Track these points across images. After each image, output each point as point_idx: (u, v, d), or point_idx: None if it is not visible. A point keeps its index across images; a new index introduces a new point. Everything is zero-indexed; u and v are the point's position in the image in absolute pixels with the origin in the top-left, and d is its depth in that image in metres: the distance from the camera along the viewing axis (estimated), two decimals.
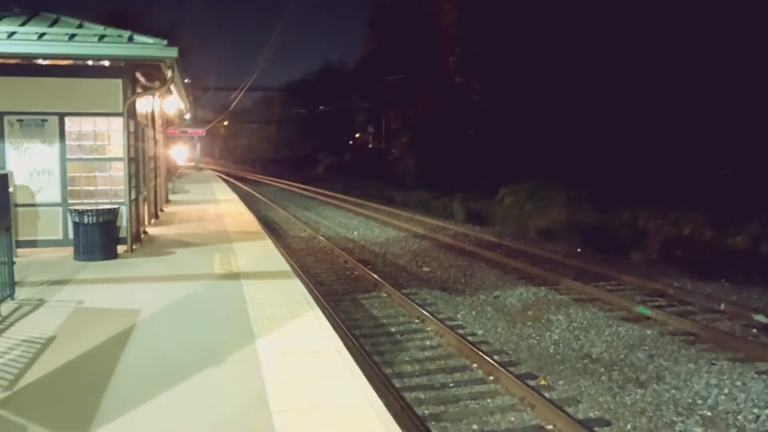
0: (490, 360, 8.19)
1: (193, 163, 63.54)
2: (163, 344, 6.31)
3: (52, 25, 11.53)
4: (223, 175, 58.10)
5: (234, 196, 28.34)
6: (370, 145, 52.55)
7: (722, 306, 10.76)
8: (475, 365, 8.31)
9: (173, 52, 11.19)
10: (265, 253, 12.01)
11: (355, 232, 21.29)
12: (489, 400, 7.29)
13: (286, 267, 10.67)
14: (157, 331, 6.80)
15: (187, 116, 35.17)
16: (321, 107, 57.37)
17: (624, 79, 19.82)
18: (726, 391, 7.30)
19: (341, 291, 12.68)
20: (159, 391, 5.03)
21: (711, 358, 8.40)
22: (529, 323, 10.39)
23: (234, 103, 51.59)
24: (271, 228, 21.20)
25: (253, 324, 6.90)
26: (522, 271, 14.01)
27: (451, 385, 7.76)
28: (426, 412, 7.00)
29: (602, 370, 8.24)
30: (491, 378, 7.86)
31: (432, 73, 31.76)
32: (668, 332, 9.54)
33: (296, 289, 8.72)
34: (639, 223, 16.62)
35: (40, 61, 11.56)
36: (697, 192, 16.42)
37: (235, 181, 50.89)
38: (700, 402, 7.11)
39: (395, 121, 39.21)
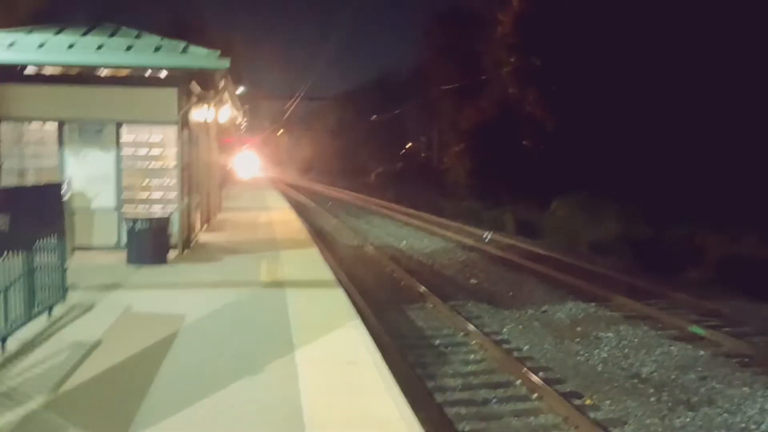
0: (535, 376, 8.01)
1: (252, 173, 64.59)
2: (203, 351, 6.39)
3: (111, 35, 11.93)
4: (276, 183, 58.89)
5: (285, 204, 28.70)
6: (422, 155, 52.46)
7: None
8: (519, 381, 8.14)
9: (226, 63, 11.45)
10: (312, 262, 12.08)
11: (404, 242, 21.25)
12: (532, 418, 7.12)
13: (331, 276, 10.70)
14: (199, 338, 6.90)
15: (243, 125, 35.89)
16: (374, 116, 57.63)
17: (685, 90, 19.27)
18: None
19: (387, 300, 12.64)
20: (195, 400, 5.08)
21: (767, 381, 8.02)
22: (577, 340, 10.14)
23: (288, 113, 52.28)
24: (321, 236, 21.35)
25: (294, 333, 6.93)
26: (571, 285, 13.71)
27: (493, 401, 7.62)
28: (466, 428, 6.88)
29: (651, 390, 7.96)
30: (535, 395, 7.69)
31: (485, 83, 31.54)
32: (722, 354, 9.16)
33: (339, 298, 8.73)
34: (695, 240, 16.07)
35: (100, 71, 11.98)
36: (756, 209, 15.78)
37: (287, 189, 51.55)
38: (753, 427, 6.79)
39: (447, 131, 39.05)
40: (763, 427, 6.77)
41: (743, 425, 6.86)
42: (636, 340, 9.90)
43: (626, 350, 9.50)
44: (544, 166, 25.80)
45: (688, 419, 7.07)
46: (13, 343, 6.37)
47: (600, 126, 22.01)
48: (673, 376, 8.40)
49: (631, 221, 18.91)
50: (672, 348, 9.43)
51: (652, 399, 7.69)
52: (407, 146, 59.64)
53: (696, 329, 10.13)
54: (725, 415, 7.12)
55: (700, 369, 8.60)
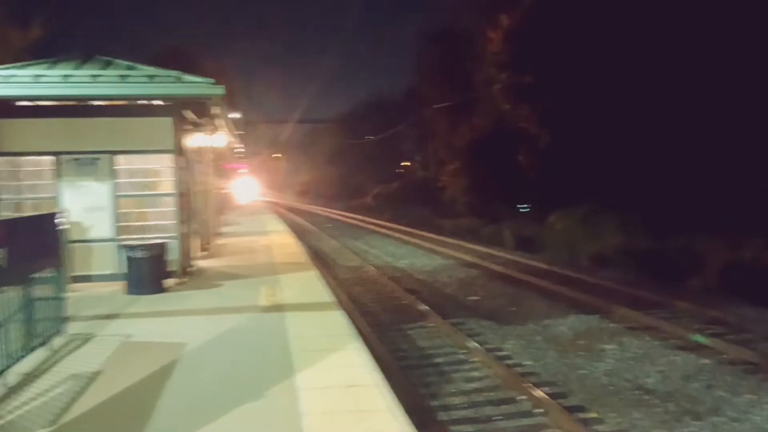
0: (539, 391, 7.96)
1: (250, 197, 64.60)
2: (204, 379, 6.36)
3: (105, 67, 12.01)
4: (274, 207, 58.93)
5: (283, 227, 28.67)
6: (418, 174, 52.60)
7: None
8: (523, 397, 8.08)
9: (220, 90, 11.52)
10: (311, 285, 12.05)
11: (403, 261, 21.22)
12: None
13: (331, 298, 10.67)
14: (200, 365, 6.86)
15: (239, 150, 36.01)
16: (369, 137, 57.91)
17: (679, 96, 19.35)
18: None
19: (388, 321, 12.59)
20: (197, 428, 5.05)
21: None
22: (581, 353, 10.08)
23: (284, 137, 52.50)
24: (320, 257, 21.31)
25: (294, 357, 6.89)
26: (573, 298, 13.67)
27: (498, 417, 7.56)
28: None
29: (657, 401, 7.91)
30: (539, 410, 7.63)
31: (478, 100, 31.72)
32: (727, 362, 9.11)
33: (339, 321, 8.70)
34: (696, 248, 16.05)
35: (94, 102, 12.04)
36: (756, 215, 15.79)
37: (285, 212, 51.56)
38: None
39: (443, 149, 39.21)
40: None
41: None
42: (639, 351, 9.86)
43: (630, 361, 9.45)
44: (540, 180, 25.86)
45: (695, 429, 7.02)
46: (12, 377, 6.33)
47: (595, 138, 22.08)
48: (678, 386, 8.35)
49: (630, 232, 18.90)
50: (676, 358, 9.38)
51: (658, 410, 7.64)
52: (403, 166, 59.84)
53: (699, 338, 10.08)
54: (733, 423, 7.07)
55: (704, 378, 8.55)
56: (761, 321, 11.26)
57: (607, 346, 10.21)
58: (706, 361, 9.17)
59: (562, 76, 22.30)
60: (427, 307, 12.93)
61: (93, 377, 6.42)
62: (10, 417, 5.40)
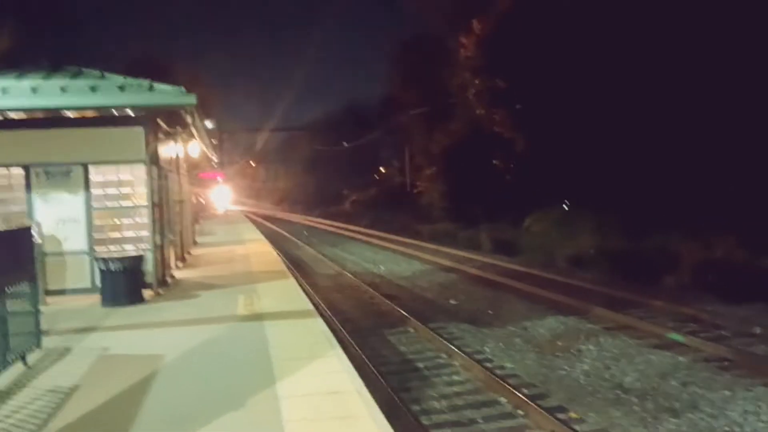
0: (519, 393, 8.01)
1: (226, 206, 64.15)
2: (184, 390, 6.30)
3: (74, 77, 11.84)
4: (251, 215, 58.61)
5: (260, 236, 28.54)
6: (396, 180, 52.69)
7: (757, 330, 10.42)
8: (503, 399, 8.12)
9: (192, 99, 11.43)
10: (289, 293, 12.01)
11: (382, 267, 21.23)
12: None
13: (309, 306, 10.64)
14: (179, 376, 6.80)
15: (215, 158, 35.74)
16: (345, 144, 57.93)
17: (650, 99, 19.62)
18: (764, 418, 7.02)
19: (368, 327, 12.58)
20: None
21: (747, 384, 8.11)
22: (559, 354, 10.17)
23: (259, 145, 52.31)
24: (298, 266, 21.24)
25: (274, 366, 6.86)
26: (551, 300, 13.78)
27: (479, 420, 7.59)
28: None
29: (635, 400, 7.99)
30: (520, 412, 7.68)
31: (453, 106, 31.87)
32: (702, 359, 9.25)
33: (318, 328, 8.68)
34: (670, 248, 16.27)
35: (65, 113, 11.88)
36: (727, 213, 16.05)
37: (263, 221, 51.29)
38: (737, 430, 6.85)
39: (419, 155, 39.35)
40: (746, 428, 6.83)
41: (727, 428, 6.91)
42: (616, 350, 9.97)
43: (607, 361, 9.55)
44: (516, 184, 26.04)
45: (672, 426, 7.11)
46: None
47: (568, 141, 22.29)
48: (655, 384, 8.46)
49: (606, 233, 19.11)
50: (652, 356, 9.50)
51: (636, 408, 7.72)
52: (381, 172, 59.91)
53: (675, 336, 10.22)
54: (709, 419, 7.17)
55: (681, 375, 8.66)
56: (734, 317, 11.44)
57: (584, 347, 10.30)
58: (682, 358, 9.29)
59: (535, 80, 22.47)
60: (406, 313, 12.94)
61: (70, 392, 6.33)
62: None
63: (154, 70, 24.75)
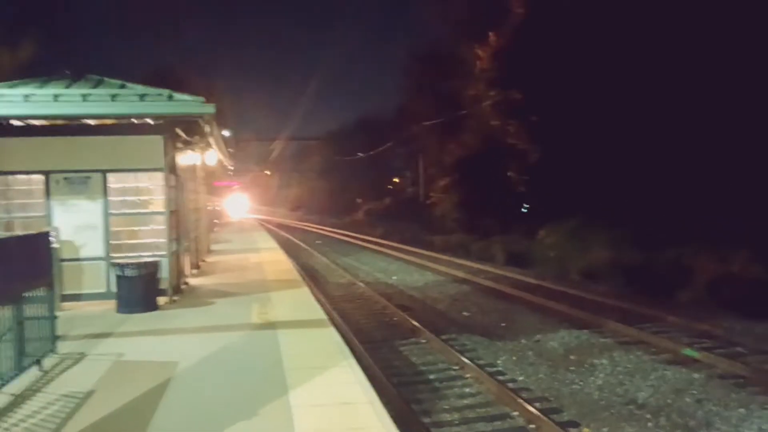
0: (531, 407, 7.98)
1: (241, 214, 64.36)
2: (197, 397, 6.34)
3: (96, 86, 12.01)
4: (264, 224, 58.85)
5: (274, 245, 28.64)
6: (409, 190, 52.74)
7: None
8: (515, 413, 8.10)
9: (211, 108, 11.55)
10: (302, 302, 12.05)
11: (394, 277, 21.23)
12: None
13: (322, 315, 10.67)
14: (193, 383, 6.85)
15: (230, 167, 36.02)
16: (359, 154, 58.11)
17: (665, 116, 19.57)
18: None
19: (380, 338, 12.58)
20: None
21: (763, 402, 8.04)
22: (572, 368, 10.12)
23: (274, 154, 52.59)
24: (311, 275, 21.29)
25: (287, 375, 6.89)
26: (564, 313, 13.73)
27: None
28: None
29: (648, 416, 7.94)
30: (532, 426, 7.65)
31: (467, 117, 31.92)
32: (717, 375, 9.18)
33: (331, 338, 8.70)
34: (684, 262, 16.17)
35: (86, 121, 12.04)
36: (743, 227, 15.93)
37: (277, 229, 51.47)
38: None
39: (433, 166, 39.40)
40: None
41: None
42: (630, 365, 9.91)
43: (621, 376, 9.49)
44: (530, 196, 26.00)
45: None
46: (3, 397, 6.29)
47: (583, 153, 22.25)
48: (669, 401, 8.40)
49: (620, 246, 19.01)
50: (666, 372, 9.44)
51: (650, 424, 7.68)
52: (394, 182, 59.99)
53: (690, 352, 10.15)
54: None
55: (695, 392, 8.60)
56: (749, 334, 11.35)
57: (598, 361, 10.25)
58: (697, 375, 9.23)
59: (550, 92, 22.49)
60: (418, 324, 12.94)
61: (85, 397, 6.39)
62: None
63: (171, 80, 25.03)
